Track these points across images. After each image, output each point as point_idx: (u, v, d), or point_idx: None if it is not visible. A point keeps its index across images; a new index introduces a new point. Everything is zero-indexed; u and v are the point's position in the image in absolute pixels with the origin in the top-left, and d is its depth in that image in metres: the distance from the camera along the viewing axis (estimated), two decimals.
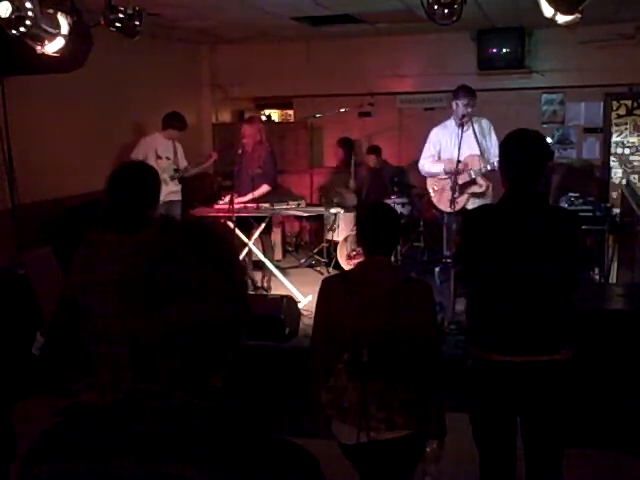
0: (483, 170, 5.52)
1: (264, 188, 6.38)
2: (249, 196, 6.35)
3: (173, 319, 0.99)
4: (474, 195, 5.62)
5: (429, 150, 5.85)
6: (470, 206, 5.51)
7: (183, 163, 6.95)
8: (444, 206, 5.74)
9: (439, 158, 5.80)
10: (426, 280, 3.15)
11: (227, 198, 6.20)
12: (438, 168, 5.72)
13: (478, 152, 5.59)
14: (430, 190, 5.92)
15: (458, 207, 5.49)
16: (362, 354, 2.48)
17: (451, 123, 5.65)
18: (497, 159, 3.11)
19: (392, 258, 2.95)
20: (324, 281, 2.74)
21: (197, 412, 0.99)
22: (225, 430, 0.99)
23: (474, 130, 5.57)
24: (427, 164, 5.84)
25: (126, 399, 1.01)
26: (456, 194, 5.47)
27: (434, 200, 5.90)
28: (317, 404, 2.64)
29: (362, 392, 2.47)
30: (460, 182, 5.53)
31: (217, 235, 1.08)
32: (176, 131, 6.76)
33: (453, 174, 5.49)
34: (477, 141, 5.58)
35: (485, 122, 5.72)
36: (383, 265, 2.66)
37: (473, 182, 5.60)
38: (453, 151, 5.52)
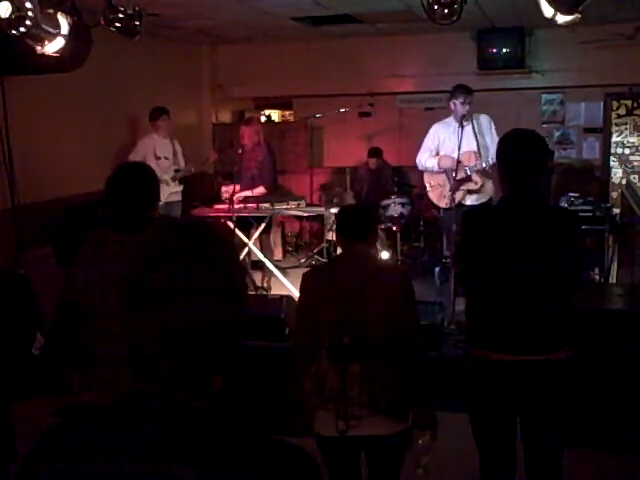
0: (479, 167, 5.55)
1: (260, 189, 6.41)
2: (247, 192, 6.37)
3: (173, 319, 0.99)
4: (470, 191, 5.65)
5: (427, 145, 5.88)
6: (467, 202, 5.56)
7: (182, 162, 6.94)
8: (440, 201, 5.78)
9: (437, 154, 5.83)
10: (406, 267, 3.18)
11: (228, 187, 6.29)
12: (432, 163, 5.76)
13: (475, 148, 5.61)
14: (427, 185, 5.95)
15: (454, 204, 5.52)
16: (342, 338, 2.53)
17: (451, 120, 5.67)
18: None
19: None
20: (305, 274, 2.81)
21: (197, 413, 0.99)
22: (225, 431, 0.99)
23: (473, 127, 5.60)
24: (423, 159, 5.87)
25: (126, 399, 1.01)
26: (446, 190, 5.52)
27: (430, 195, 5.94)
28: (300, 393, 2.66)
29: (343, 376, 2.51)
30: (457, 178, 5.56)
31: (217, 236, 1.08)
32: (156, 122, 6.64)
33: (451, 170, 5.52)
34: (475, 138, 5.59)
35: (484, 118, 5.74)
36: (359, 254, 2.72)
37: (468, 179, 5.63)
38: (453, 148, 5.54)
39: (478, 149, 5.60)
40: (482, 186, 5.63)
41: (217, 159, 7.41)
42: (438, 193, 5.81)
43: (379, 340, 2.55)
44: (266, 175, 6.45)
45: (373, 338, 2.54)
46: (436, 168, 5.73)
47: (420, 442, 2.61)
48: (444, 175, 5.71)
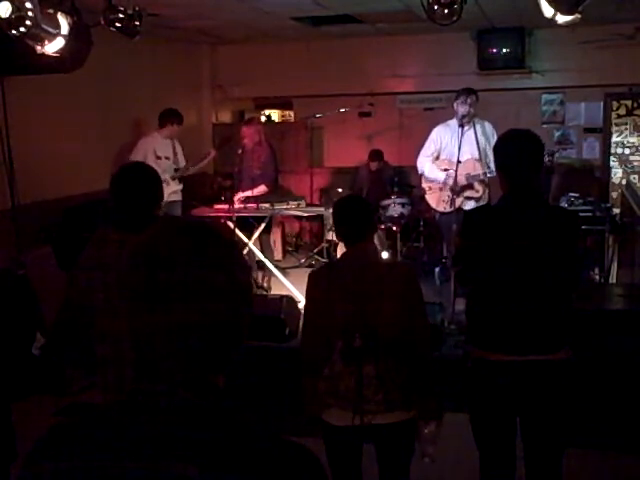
0: (482, 177, 5.54)
1: (261, 188, 6.42)
2: (247, 193, 6.38)
3: (176, 319, 0.99)
4: (469, 198, 5.65)
5: (429, 148, 5.87)
6: (466, 207, 5.55)
7: (182, 162, 6.94)
8: (439, 206, 5.78)
9: (438, 157, 5.82)
10: (410, 264, 3.20)
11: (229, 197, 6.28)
12: (438, 176, 5.74)
13: (477, 155, 5.60)
14: (425, 188, 5.95)
15: (453, 207, 5.52)
16: (354, 340, 2.54)
17: (454, 122, 5.66)
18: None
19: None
20: (311, 274, 2.82)
21: (199, 412, 0.98)
22: (227, 430, 0.99)
23: (475, 131, 5.58)
24: (427, 165, 5.85)
25: (129, 399, 1.01)
26: (454, 195, 5.50)
27: (428, 199, 5.93)
28: (310, 394, 2.67)
29: (358, 376, 2.53)
30: (460, 184, 5.55)
31: (220, 234, 1.08)
32: (176, 126, 6.67)
33: (449, 177, 5.53)
34: (477, 143, 5.58)
35: (488, 126, 5.73)
36: (364, 252, 2.72)
37: (470, 186, 5.62)
38: (453, 150, 5.53)
39: (479, 154, 5.59)
40: (483, 193, 5.62)
41: (216, 157, 7.38)
42: (437, 197, 5.81)
43: (390, 339, 2.57)
44: (269, 174, 6.46)
45: (384, 337, 2.56)
46: (439, 182, 5.73)
47: (426, 432, 2.65)
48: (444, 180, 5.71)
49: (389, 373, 2.55)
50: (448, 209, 5.57)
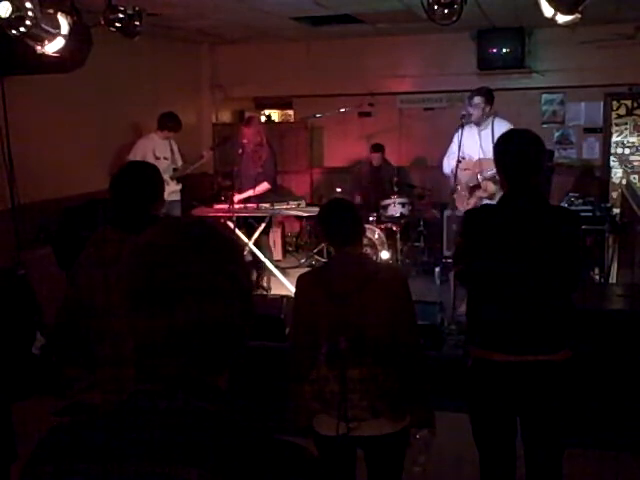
0: (488, 176, 5.48)
1: (264, 185, 6.43)
2: (249, 192, 6.39)
3: (176, 319, 0.98)
4: (481, 197, 5.60)
5: (451, 148, 5.86)
6: None
7: (180, 161, 6.96)
8: (460, 205, 5.74)
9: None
10: (400, 268, 3.14)
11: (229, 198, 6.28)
12: (447, 171, 5.76)
13: (477, 155, 5.56)
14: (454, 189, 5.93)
15: (469, 207, 5.47)
16: (339, 342, 2.51)
17: (471, 123, 5.62)
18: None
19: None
20: (299, 277, 2.77)
21: (200, 414, 0.98)
22: (228, 432, 0.98)
23: (492, 131, 5.50)
24: (445, 163, 5.86)
25: (130, 400, 1.00)
26: (465, 194, 5.49)
27: (455, 199, 5.87)
28: (298, 399, 2.65)
29: (342, 381, 2.49)
30: (470, 184, 5.53)
31: (220, 234, 1.07)
32: (172, 133, 6.76)
33: (455, 175, 5.52)
34: (480, 143, 5.55)
35: (504, 125, 5.65)
36: (352, 257, 2.68)
37: (478, 186, 5.58)
38: (473, 151, 5.51)
39: (482, 153, 5.54)
40: (492, 196, 5.54)
41: (211, 157, 7.38)
42: (459, 197, 5.76)
43: (377, 343, 2.53)
44: (269, 173, 6.49)
45: (370, 341, 2.53)
46: (449, 173, 5.73)
47: (418, 438, 2.61)
48: (467, 180, 5.67)
49: (375, 378, 2.49)
50: (450, 207, 5.56)
